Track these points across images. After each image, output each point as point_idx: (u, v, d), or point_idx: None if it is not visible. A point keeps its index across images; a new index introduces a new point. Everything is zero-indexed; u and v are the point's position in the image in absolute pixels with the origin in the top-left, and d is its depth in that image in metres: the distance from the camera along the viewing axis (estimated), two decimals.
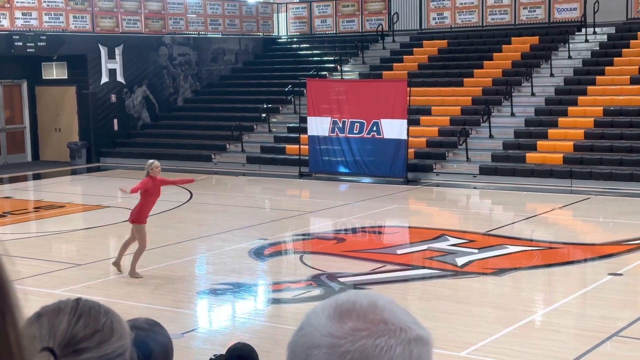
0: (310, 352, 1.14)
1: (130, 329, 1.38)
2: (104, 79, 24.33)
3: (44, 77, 24.88)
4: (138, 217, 10.94)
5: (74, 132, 24.51)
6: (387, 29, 26.81)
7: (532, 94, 21.35)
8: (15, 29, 22.33)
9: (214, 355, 4.59)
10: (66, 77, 24.44)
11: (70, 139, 24.35)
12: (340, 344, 1.12)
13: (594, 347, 8.05)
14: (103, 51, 24.18)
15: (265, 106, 24.17)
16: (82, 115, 24.35)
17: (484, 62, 23.13)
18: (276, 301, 10.07)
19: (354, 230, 14.62)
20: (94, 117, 24.21)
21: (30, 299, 10.14)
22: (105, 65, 24.30)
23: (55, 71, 24.67)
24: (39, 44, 22.60)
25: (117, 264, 11.20)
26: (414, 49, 25.21)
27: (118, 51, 24.52)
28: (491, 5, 25.26)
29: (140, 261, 10.97)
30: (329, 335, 1.13)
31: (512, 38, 23.93)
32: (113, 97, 24.60)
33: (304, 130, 20.85)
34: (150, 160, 11.29)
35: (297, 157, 20.94)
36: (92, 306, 1.33)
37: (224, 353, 4.52)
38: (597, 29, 23.13)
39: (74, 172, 22.97)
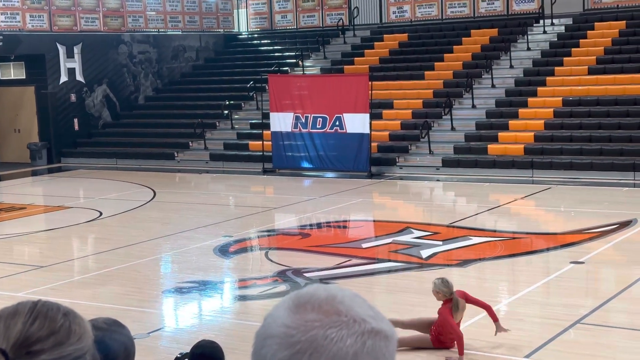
0: (265, 342, 1.17)
1: None
2: (63, 78, 24.05)
3: (1, 78, 24.53)
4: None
5: (34, 132, 24.22)
6: (347, 24, 26.85)
7: (493, 86, 21.53)
8: None
9: (179, 354, 4.57)
10: (24, 77, 24.13)
11: (30, 140, 24.05)
12: (292, 334, 1.14)
13: (558, 334, 8.16)
14: (61, 50, 23.90)
15: (227, 103, 24.08)
16: (41, 115, 24.06)
17: (445, 55, 23.27)
18: (242, 298, 10.06)
19: (318, 225, 14.64)
20: (53, 117, 23.93)
21: None
22: (64, 64, 24.02)
23: (13, 71, 24.34)
24: None
25: None
26: (375, 43, 25.28)
27: (77, 50, 24.25)
28: None
29: (104, 262, 10.80)
30: (283, 325, 1.16)
31: (472, 31, 24.10)
32: (73, 97, 24.33)
33: (267, 127, 20.80)
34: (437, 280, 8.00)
35: (261, 153, 20.89)
36: (50, 308, 1.31)
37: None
38: (554, 21, 23.38)
39: (34, 173, 22.69)
